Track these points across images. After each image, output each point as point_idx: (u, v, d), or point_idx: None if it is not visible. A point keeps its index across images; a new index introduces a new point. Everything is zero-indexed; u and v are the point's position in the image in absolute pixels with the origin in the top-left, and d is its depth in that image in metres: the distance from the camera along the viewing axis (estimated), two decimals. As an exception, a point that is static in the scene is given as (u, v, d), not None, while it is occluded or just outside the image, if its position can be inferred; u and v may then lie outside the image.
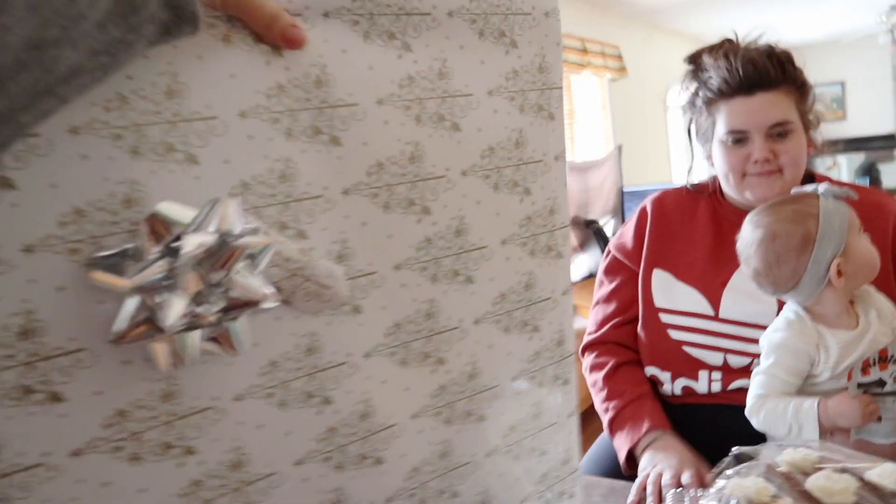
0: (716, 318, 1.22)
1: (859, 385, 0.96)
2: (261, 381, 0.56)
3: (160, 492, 0.53)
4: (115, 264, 0.47)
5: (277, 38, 0.52)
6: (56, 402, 0.48)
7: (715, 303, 1.23)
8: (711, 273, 1.25)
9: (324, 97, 0.56)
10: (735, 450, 0.87)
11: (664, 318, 1.27)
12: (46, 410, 0.48)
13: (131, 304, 0.47)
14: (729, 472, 0.81)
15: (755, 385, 1.02)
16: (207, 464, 0.54)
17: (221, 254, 0.48)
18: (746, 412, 1.03)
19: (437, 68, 0.61)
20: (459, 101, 0.62)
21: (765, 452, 0.84)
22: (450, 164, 0.63)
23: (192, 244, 0.47)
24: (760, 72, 1.15)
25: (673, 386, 1.26)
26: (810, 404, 0.94)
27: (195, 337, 0.49)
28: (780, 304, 1.10)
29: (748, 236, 1.04)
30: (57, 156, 0.47)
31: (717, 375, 1.22)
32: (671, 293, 1.27)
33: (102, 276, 0.47)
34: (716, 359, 1.22)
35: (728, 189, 1.25)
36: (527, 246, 0.68)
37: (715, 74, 1.18)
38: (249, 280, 0.50)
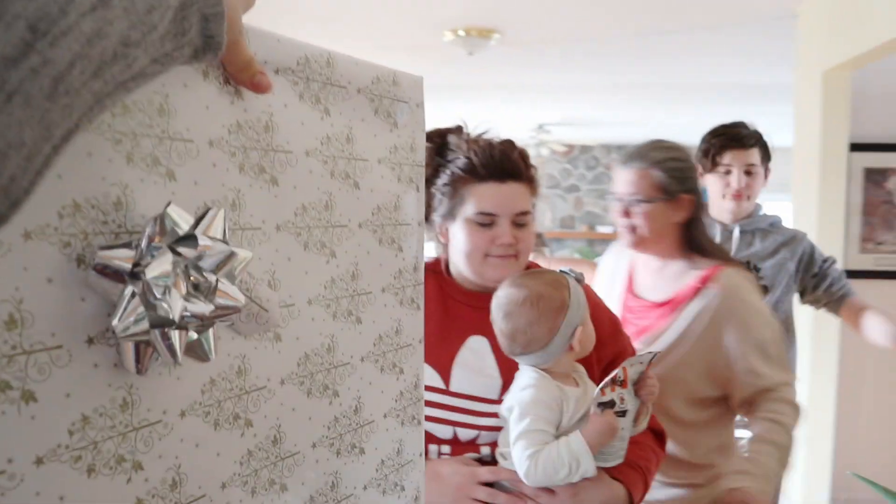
0: (447, 391, 1.27)
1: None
2: (202, 398, 0.56)
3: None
4: (117, 262, 0.47)
5: (247, 82, 0.58)
6: (30, 401, 0.45)
7: (445, 376, 1.28)
8: (440, 348, 1.28)
9: (269, 141, 0.62)
10: None
11: None
12: (19, 411, 0.44)
13: (133, 300, 0.47)
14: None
15: (521, 447, 1.10)
16: (150, 482, 0.52)
17: (218, 259, 0.51)
18: (524, 476, 1.10)
19: (345, 134, 0.70)
20: (360, 164, 0.72)
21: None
22: (350, 216, 0.71)
23: (198, 246, 0.49)
24: (513, 163, 1.26)
25: None
26: (575, 438, 1.09)
27: (183, 336, 0.50)
28: (504, 378, 1.25)
29: (512, 295, 1.15)
30: (68, 148, 0.46)
31: (446, 449, 1.26)
32: None
33: (104, 274, 0.47)
34: (445, 432, 1.26)
35: (464, 267, 1.31)
36: (398, 296, 0.77)
37: (467, 157, 1.26)
38: (231, 288, 0.52)
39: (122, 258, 0.47)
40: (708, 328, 1.55)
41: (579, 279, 1.19)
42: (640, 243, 1.64)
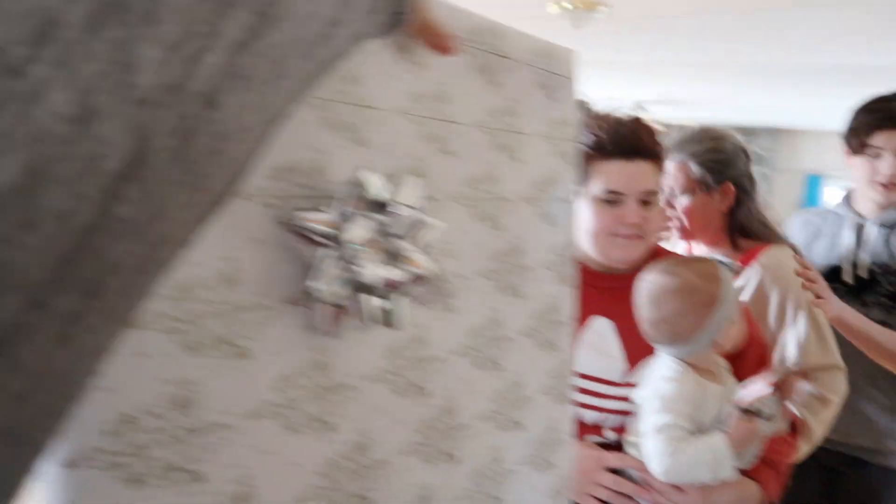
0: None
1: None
2: (386, 364, 0.56)
3: (306, 467, 0.50)
4: (319, 226, 0.47)
5: (433, 44, 0.55)
6: (244, 358, 0.46)
7: None
8: None
9: (443, 111, 0.61)
10: None
11: None
12: (234, 366, 0.45)
13: (331, 264, 0.47)
14: None
15: (659, 443, 1.05)
16: (342, 444, 0.53)
17: (411, 226, 0.51)
18: (659, 471, 1.06)
19: (510, 107, 0.69)
20: (520, 137, 0.70)
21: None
22: (513, 189, 0.69)
23: (395, 212, 0.49)
24: (641, 140, 1.21)
25: None
26: (719, 440, 1.04)
27: (378, 302, 0.50)
28: (630, 360, 1.22)
29: (662, 283, 1.10)
30: (277, 112, 0.47)
31: None
32: None
33: (305, 236, 0.47)
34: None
35: (589, 246, 1.26)
36: (554, 272, 0.76)
37: (595, 133, 1.21)
38: (421, 256, 0.52)
39: (321, 221, 0.47)
40: (752, 305, 1.46)
41: (733, 269, 1.13)
42: (686, 235, 1.57)
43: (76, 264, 0.24)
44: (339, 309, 0.50)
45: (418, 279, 0.51)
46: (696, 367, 1.09)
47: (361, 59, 0.53)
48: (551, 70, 0.74)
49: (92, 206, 0.23)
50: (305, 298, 0.49)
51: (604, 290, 1.23)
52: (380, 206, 0.49)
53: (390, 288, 0.49)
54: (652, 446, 1.05)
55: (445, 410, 0.62)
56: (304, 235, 0.47)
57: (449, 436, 0.63)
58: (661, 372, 1.09)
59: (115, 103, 0.24)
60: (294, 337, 0.49)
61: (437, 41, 0.56)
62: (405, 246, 0.50)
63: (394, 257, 0.50)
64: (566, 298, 0.78)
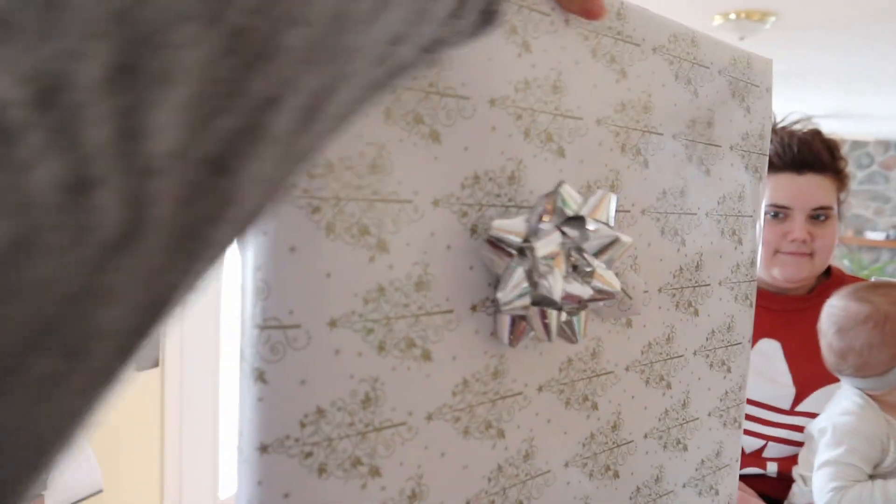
0: None
1: None
2: (559, 376, 0.54)
3: (475, 472, 0.49)
4: (509, 236, 0.46)
5: (578, 8, 0.50)
6: (427, 360, 0.45)
7: None
8: None
9: (647, 121, 0.58)
10: None
11: None
12: (419, 368, 0.45)
13: (519, 275, 0.46)
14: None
15: (827, 476, 0.97)
16: (509, 451, 0.51)
17: (598, 244, 0.48)
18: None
19: (707, 118, 0.64)
20: (714, 149, 0.65)
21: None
22: (700, 203, 0.65)
23: (587, 228, 0.47)
24: (814, 153, 1.13)
25: None
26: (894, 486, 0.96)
27: (559, 316, 0.48)
28: (798, 388, 1.12)
29: (852, 310, 1.01)
30: (476, 120, 0.46)
31: None
32: None
33: (495, 245, 0.46)
34: None
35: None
36: (733, 290, 0.70)
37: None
38: (608, 274, 0.49)
39: (514, 232, 0.46)
40: None
41: None
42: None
43: (58, 330, 0.21)
44: (522, 320, 0.48)
45: (603, 296, 0.49)
46: (882, 401, 0.98)
47: (567, 66, 0.51)
48: (750, 80, 0.68)
49: (79, 277, 0.21)
50: (489, 307, 0.47)
51: (773, 312, 1.15)
52: (575, 221, 0.47)
53: (573, 303, 0.47)
54: (818, 481, 0.97)
55: (612, 425, 0.60)
56: (495, 245, 0.46)
57: (613, 451, 0.60)
58: (842, 404, 1.00)
59: (117, 173, 0.21)
60: (474, 343, 0.48)
61: (586, 5, 0.50)
62: (594, 262, 0.48)
63: (581, 272, 0.48)
64: (744, 319, 0.72)
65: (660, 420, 0.64)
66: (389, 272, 0.42)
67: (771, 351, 1.16)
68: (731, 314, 0.70)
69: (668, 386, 0.65)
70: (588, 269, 0.48)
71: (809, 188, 1.14)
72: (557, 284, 0.46)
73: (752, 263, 0.72)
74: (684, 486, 0.68)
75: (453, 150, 0.45)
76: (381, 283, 0.42)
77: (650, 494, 0.64)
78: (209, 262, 0.25)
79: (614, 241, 0.48)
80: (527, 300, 0.46)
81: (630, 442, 0.62)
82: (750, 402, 1.15)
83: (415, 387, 0.45)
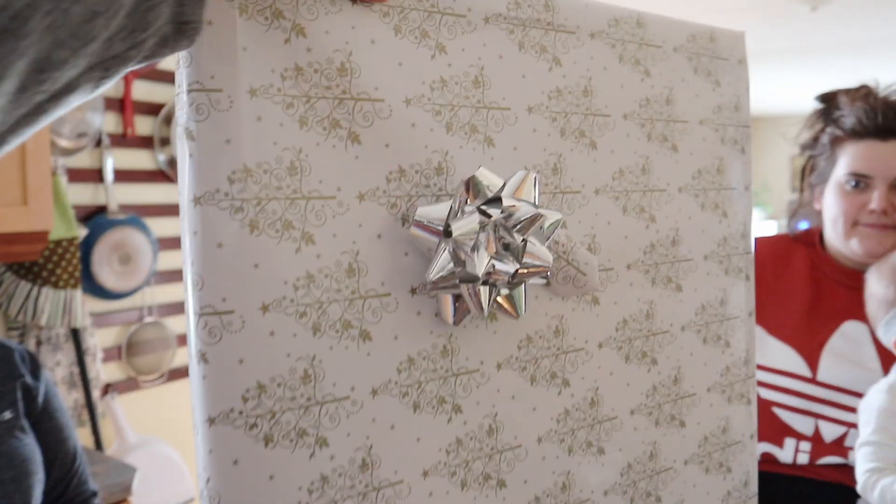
0: (813, 380, 1.10)
1: None
2: (519, 353, 0.57)
3: (431, 444, 0.53)
4: (432, 221, 0.50)
5: None
6: (366, 339, 0.50)
7: (812, 364, 1.10)
8: (808, 331, 1.12)
9: (588, 105, 0.61)
10: None
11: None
12: (357, 347, 0.50)
13: (444, 256, 0.50)
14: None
15: (864, 458, 0.92)
16: (469, 425, 0.55)
17: (523, 220, 0.51)
18: (859, 489, 0.93)
19: (665, 96, 0.66)
20: (679, 125, 0.67)
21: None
22: (669, 179, 0.66)
23: (502, 207, 0.50)
24: None
25: None
26: None
27: (489, 292, 0.51)
28: (886, 371, 1.06)
29: None
30: (394, 120, 0.51)
31: (805, 446, 1.09)
32: (764, 349, 1.14)
33: (421, 231, 0.50)
34: (807, 426, 1.10)
35: (833, 237, 1.13)
36: (723, 264, 0.71)
37: (849, 113, 1.08)
38: (540, 248, 0.52)
39: (436, 217, 0.50)
40: None
41: None
42: None
43: None
44: (457, 299, 0.52)
45: (535, 270, 0.52)
46: None
47: (491, 60, 0.55)
48: (715, 55, 0.69)
49: None
50: (426, 289, 0.52)
51: (858, 290, 1.08)
52: (495, 202, 0.51)
53: (502, 279, 0.51)
54: (857, 462, 0.92)
55: (589, 402, 0.62)
56: (424, 230, 0.50)
57: (594, 427, 0.62)
58: (881, 382, 0.95)
59: None
60: (417, 324, 0.52)
61: None
62: (520, 239, 0.51)
63: (510, 250, 0.52)
64: (740, 292, 0.72)
65: (647, 396, 0.66)
66: (317, 261, 0.48)
67: (857, 333, 1.10)
68: (723, 288, 0.71)
69: (654, 362, 0.66)
70: (517, 246, 0.51)
71: (893, 155, 1.07)
72: (481, 262, 0.49)
73: (744, 236, 0.72)
74: (686, 462, 0.69)
75: (374, 148, 0.50)
76: (309, 270, 0.47)
77: (644, 471, 0.65)
78: None
79: (536, 217, 0.51)
80: (454, 279, 0.50)
81: (613, 418, 0.63)
82: (831, 387, 1.09)
83: (355, 364, 0.49)
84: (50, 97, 0.34)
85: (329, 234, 0.48)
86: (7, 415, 1.08)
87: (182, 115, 0.44)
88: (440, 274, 0.50)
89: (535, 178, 0.52)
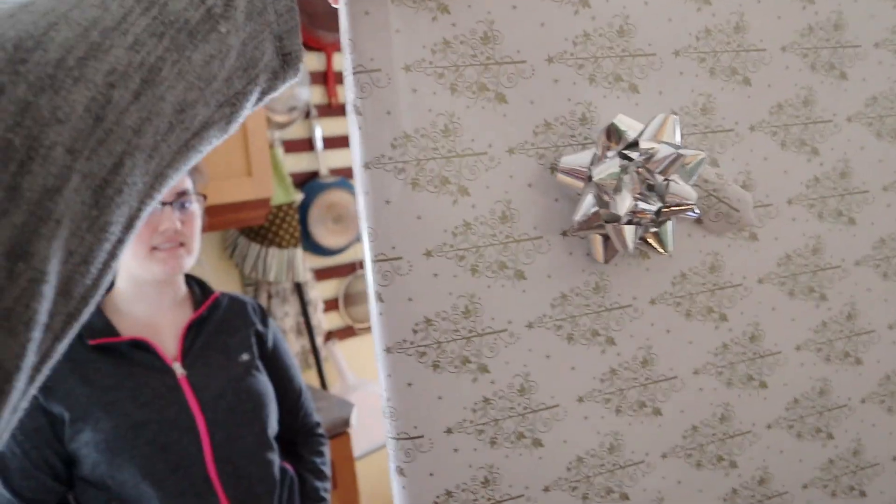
0: None
1: None
2: (672, 289, 0.61)
3: (585, 373, 0.59)
4: (575, 168, 0.55)
5: None
6: (521, 279, 0.57)
7: None
8: None
9: (739, 41, 0.61)
10: None
11: None
12: (513, 285, 0.56)
13: (588, 199, 0.55)
14: None
15: None
16: (623, 356, 0.60)
17: (663, 160, 0.55)
18: None
19: (832, 21, 0.64)
20: (849, 51, 0.65)
21: None
22: (836, 110, 0.65)
23: (641, 150, 0.54)
24: None
25: None
26: None
27: (634, 231, 0.56)
28: None
29: None
30: (537, 78, 0.56)
31: None
32: None
33: (566, 177, 0.56)
34: None
35: None
36: (815, 208, 0.67)
37: None
38: (683, 187, 0.56)
39: (581, 164, 0.55)
40: None
41: None
42: None
43: None
44: (606, 239, 0.57)
45: (679, 208, 0.55)
46: None
47: (631, 10, 0.58)
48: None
49: None
50: (574, 230, 0.57)
51: None
52: (634, 146, 0.55)
53: (646, 218, 0.55)
54: None
55: (749, 336, 0.64)
56: (568, 176, 0.56)
57: (755, 361, 0.64)
58: None
59: None
60: (569, 263, 0.58)
61: None
62: (662, 179, 0.55)
63: (654, 190, 0.55)
64: (837, 238, 0.69)
65: (816, 332, 0.66)
66: (473, 210, 0.55)
67: None
68: (814, 235, 0.68)
69: (823, 297, 0.66)
70: (660, 186, 0.55)
71: None
72: (623, 202, 0.54)
73: (843, 174, 0.68)
74: (863, 400, 0.68)
75: (520, 106, 0.56)
76: (466, 219, 0.55)
77: (813, 407, 0.66)
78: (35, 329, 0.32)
79: (677, 157, 0.54)
80: (599, 220, 0.55)
81: (777, 353, 0.65)
82: None
83: (511, 300, 0.56)
84: (193, 135, 0.40)
85: (482, 186, 0.55)
86: (245, 356, 1.30)
87: (350, 94, 0.52)
88: (585, 215, 0.55)
89: (675, 120, 0.55)
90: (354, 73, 0.52)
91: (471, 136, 0.55)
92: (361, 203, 0.54)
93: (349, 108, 0.53)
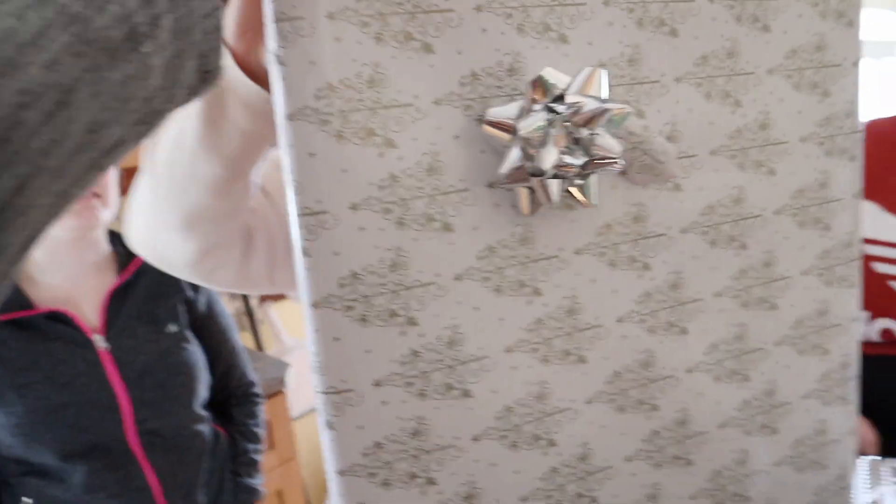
0: None
1: None
2: (597, 240, 0.63)
3: (513, 324, 0.60)
4: (501, 121, 0.56)
5: None
6: (448, 231, 0.57)
7: None
8: None
9: None
10: None
11: (868, 249, 1.17)
12: (440, 238, 0.57)
13: (514, 152, 0.55)
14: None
15: None
16: (549, 307, 0.62)
17: (589, 114, 0.55)
18: None
19: (755, -27, 0.65)
20: (772, 4, 0.67)
21: None
22: (758, 62, 0.67)
23: (567, 104, 0.55)
24: None
25: (870, 328, 1.17)
26: None
27: (559, 184, 0.57)
28: None
29: None
30: (464, 27, 0.56)
31: None
32: (878, 225, 1.17)
33: (492, 129, 0.56)
34: None
35: None
36: (823, 146, 0.71)
37: None
38: (608, 140, 0.57)
39: (507, 116, 0.55)
40: None
41: None
42: None
43: None
44: (532, 191, 0.58)
45: (604, 162, 0.56)
46: None
47: (559, -41, 0.58)
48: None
49: None
50: (500, 182, 0.58)
51: None
52: (561, 99, 0.55)
53: (572, 171, 0.56)
54: None
55: (671, 285, 0.66)
56: (495, 128, 0.56)
57: (676, 309, 0.67)
58: None
59: None
60: (496, 215, 0.59)
61: None
62: (586, 133, 0.56)
63: (580, 144, 0.56)
64: (845, 174, 0.72)
65: (735, 279, 0.69)
66: (399, 163, 0.55)
67: None
68: (824, 170, 0.71)
69: (743, 246, 0.69)
70: (585, 139, 0.56)
71: None
72: (548, 156, 0.55)
73: (849, 115, 0.71)
74: (777, 344, 0.72)
75: (447, 56, 0.55)
76: (392, 172, 0.55)
77: (730, 350, 0.70)
78: None
79: (602, 111, 0.55)
80: (523, 173, 0.55)
81: (698, 300, 0.68)
82: None
83: (439, 253, 0.57)
84: (103, 154, 0.40)
85: (409, 139, 0.55)
86: (173, 328, 1.26)
87: (272, 44, 0.51)
88: (510, 169, 0.55)
89: (601, 74, 0.56)
90: (276, 22, 0.51)
91: (397, 87, 0.54)
92: (286, 156, 0.53)
93: (271, 59, 0.52)
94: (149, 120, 0.42)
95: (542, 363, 0.62)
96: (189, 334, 1.30)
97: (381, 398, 0.57)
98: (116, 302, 1.23)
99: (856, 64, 0.71)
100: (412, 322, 0.57)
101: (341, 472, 0.57)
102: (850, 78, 0.71)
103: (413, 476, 0.59)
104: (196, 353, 1.29)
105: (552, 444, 0.63)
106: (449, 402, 0.59)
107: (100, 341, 1.19)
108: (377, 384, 0.56)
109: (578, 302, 0.63)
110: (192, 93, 0.44)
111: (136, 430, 1.17)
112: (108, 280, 1.25)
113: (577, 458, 0.64)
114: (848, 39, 0.70)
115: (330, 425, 0.56)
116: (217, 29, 0.44)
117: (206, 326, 1.33)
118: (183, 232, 0.69)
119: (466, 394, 0.59)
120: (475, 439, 0.60)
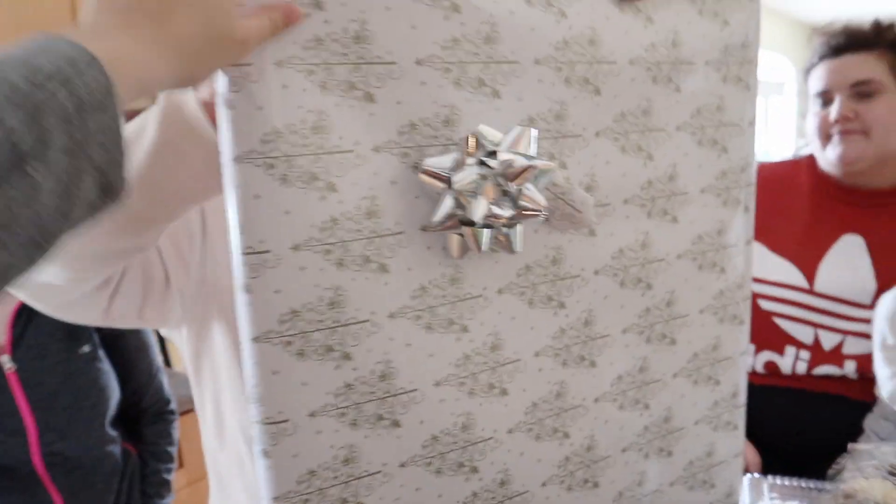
0: (810, 291, 1.21)
1: None
2: (518, 280, 0.67)
3: (442, 359, 0.64)
4: (436, 171, 0.59)
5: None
6: (384, 272, 0.61)
7: (809, 275, 1.22)
8: (807, 246, 1.23)
9: (594, 54, 0.68)
10: (851, 447, 0.93)
11: (755, 287, 1.23)
12: (376, 278, 0.60)
13: (448, 201, 0.59)
14: (848, 472, 0.88)
15: (884, 363, 1.03)
16: (475, 342, 0.66)
17: (518, 170, 0.60)
18: (887, 397, 1.04)
19: (671, 39, 0.72)
20: (685, 67, 0.73)
21: (885, 450, 0.90)
22: (668, 119, 0.73)
23: (499, 160, 0.59)
24: (851, 35, 1.16)
25: (756, 360, 1.25)
26: None
27: (489, 234, 0.61)
28: (880, 282, 1.14)
29: None
30: (405, 79, 0.59)
31: (804, 355, 1.21)
32: (763, 264, 1.25)
33: (428, 178, 0.59)
34: (806, 334, 1.20)
35: (819, 156, 1.24)
36: (721, 196, 0.78)
37: (815, 46, 1.21)
38: (535, 194, 0.61)
39: (442, 166, 0.59)
40: None
41: None
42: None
43: None
44: (461, 237, 0.62)
45: (529, 213, 0.61)
46: None
47: (499, 18, 0.62)
48: (723, -6, 0.74)
49: None
50: (433, 227, 0.62)
51: (856, 206, 1.19)
52: (493, 155, 0.60)
53: (499, 221, 0.60)
54: (876, 368, 1.02)
55: (583, 322, 0.72)
56: (431, 177, 0.60)
57: (587, 344, 0.73)
58: None
59: None
60: (428, 257, 0.62)
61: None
62: (515, 187, 0.60)
63: (510, 196, 0.61)
64: (737, 223, 0.80)
65: (640, 317, 0.75)
66: (340, 206, 0.58)
67: (852, 246, 1.19)
68: (720, 219, 0.79)
69: (649, 287, 0.75)
70: (512, 193, 0.60)
71: (845, 67, 1.16)
72: (479, 208, 0.59)
73: (744, 169, 0.79)
74: (675, 375, 0.79)
75: (387, 106, 0.59)
76: (333, 215, 0.58)
77: (634, 382, 0.76)
78: None
79: (530, 168, 0.60)
80: (455, 221, 0.60)
81: (606, 336, 0.74)
82: (829, 297, 1.20)
83: (374, 292, 0.60)
84: None
85: (350, 183, 0.58)
86: (86, 349, 1.23)
87: (221, 88, 0.53)
88: (443, 216, 0.59)
89: (531, 132, 0.60)
90: (225, 67, 0.53)
91: (339, 134, 0.57)
92: (230, 197, 0.55)
93: (219, 102, 0.54)
94: (41, 242, 0.38)
95: (469, 396, 0.66)
96: (101, 353, 1.27)
97: (316, 428, 0.59)
98: (23, 319, 1.19)
99: (751, 124, 0.79)
100: (347, 357, 0.60)
101: (276, 499, 0.59)
102: (746, 137, 0.79)
103: (344, 501, 0.62)
104: (108, 372, 1.26)
105: (474, 470, 0.67)
106: (378, 432, 0.62)
107: (6, 361, 1.15)
108: (312, 415, 0.59)
109: (500, 338, 0.67)
110: (93, 209, 0.42)
111: (40, 453, 1.14)
112: (13, 298, 1.20)
113: (497, 483, 0.69)
114: (745, 102, 0.78)
115: (266, 454, 0.58)
116: (117, 142, 0.41)
117: (121, 343, 1.30)
118: (64, 262, 0.65)
119: (396, 423, 0.63)
120: (402, 465, 0.64)
